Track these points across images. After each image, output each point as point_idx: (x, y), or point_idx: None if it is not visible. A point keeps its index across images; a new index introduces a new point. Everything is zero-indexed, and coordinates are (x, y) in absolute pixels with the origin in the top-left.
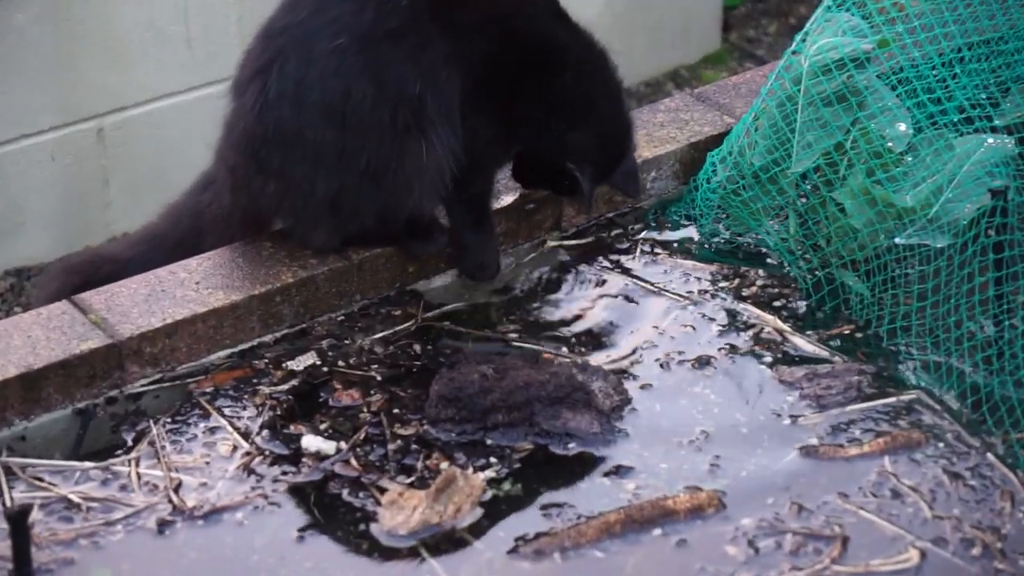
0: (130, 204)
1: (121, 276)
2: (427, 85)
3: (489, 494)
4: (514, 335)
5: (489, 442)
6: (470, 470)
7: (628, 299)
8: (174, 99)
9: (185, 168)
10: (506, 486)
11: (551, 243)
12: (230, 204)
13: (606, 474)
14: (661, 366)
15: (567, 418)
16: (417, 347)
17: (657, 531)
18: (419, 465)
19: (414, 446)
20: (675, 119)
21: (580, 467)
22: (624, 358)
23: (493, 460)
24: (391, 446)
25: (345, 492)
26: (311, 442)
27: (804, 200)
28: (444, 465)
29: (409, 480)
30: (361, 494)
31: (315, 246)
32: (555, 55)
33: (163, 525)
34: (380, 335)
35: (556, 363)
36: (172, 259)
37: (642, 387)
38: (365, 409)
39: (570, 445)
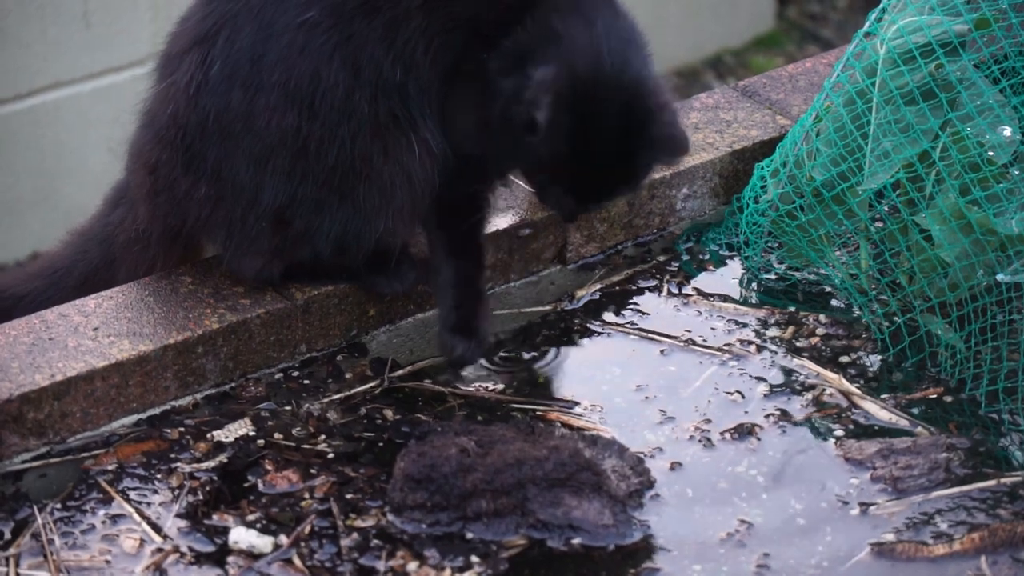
0: (8, 227)
1: (9, 318)
2: (408, 72)
3: None
4: (509, 399)
5: (469, 536)
6: (446, 573)
7: (651, 353)
8: (66, 90)
9: (81, 181)
10: None
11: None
12: (147, 217)
13: None
14: (694, 440)
15: (570, 506)
16: (381, 414)
17: None
18: (381, 566)
19: (375, 541)
20: (714, 119)
21: (588, 569)
22: (646, 429)
23: (475, 559)
24: (344, 541)
25: None
26: (242, 536)
27: (880, 225)
28: (413, 566)
29: None
30: None
31: (248, 274)
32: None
33: None
34: (332, 398)
35: (557, 435)
36: (78, 299)
37: (670, 467)
38: (310, 494)
39: (574, 540)
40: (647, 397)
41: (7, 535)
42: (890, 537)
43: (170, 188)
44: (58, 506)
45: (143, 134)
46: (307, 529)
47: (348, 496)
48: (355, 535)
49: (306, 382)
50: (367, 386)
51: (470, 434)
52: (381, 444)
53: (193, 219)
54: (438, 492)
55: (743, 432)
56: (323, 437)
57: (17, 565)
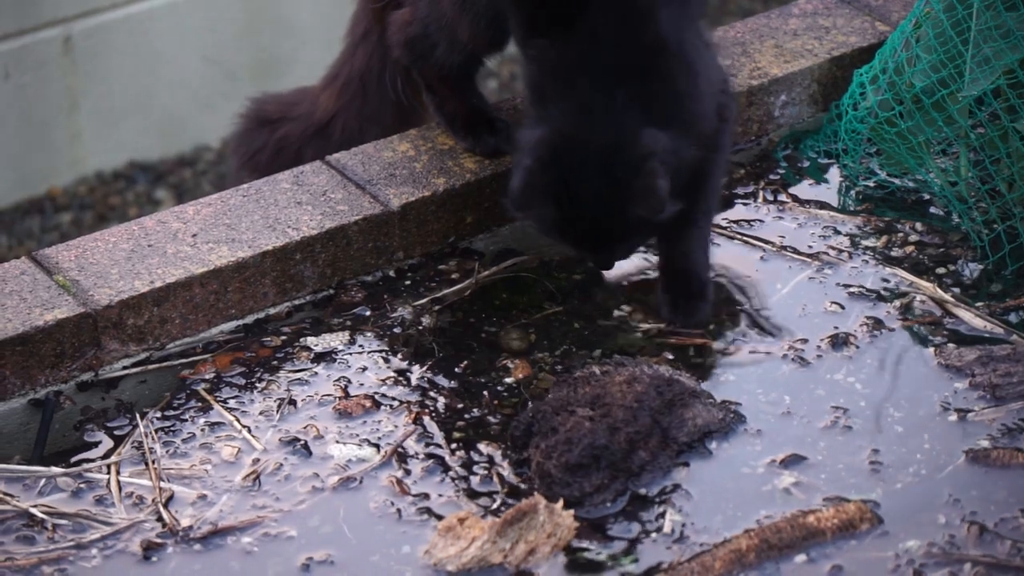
0: (105, 135)
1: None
2: None
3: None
4: (606, 306)
5: (642, 492)
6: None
7: (745, 261)
8: None
9: (176, 90)
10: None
11: None
12: None
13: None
14: (793, 359)
15: (690, 417)
16: (477, 321)
17: (801, 557)
18: (497, 489)
19: (478, 459)
20: (813, 26)
21: (731, 469)
22: (739, 337)
23: (669, 511)
24: (451, 459)
25: (393, 511)
26: (342, 448)
27: (980, 132)
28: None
29: (482, 505)
30: (413, 515)
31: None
32: None
33: (150, 549)
34: (429, 304)
35: (629, 364)
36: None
37: (764, 373)
38: (406, 408)
39: (711, 445)
40: (740, 305)
41: (108, 442)
42: (985, 444)
43: None
44: (157, 414)
45: None
46: (406, 443)
47: (445, 402)
48: (461, 453)
49: (403, 288)
50: (461, 286)
51: (572, 404)
52: (476, 346)
53: None
54: (609, 466)
55: (838, 341)
56: (420, 345)
57: (118, 473)
